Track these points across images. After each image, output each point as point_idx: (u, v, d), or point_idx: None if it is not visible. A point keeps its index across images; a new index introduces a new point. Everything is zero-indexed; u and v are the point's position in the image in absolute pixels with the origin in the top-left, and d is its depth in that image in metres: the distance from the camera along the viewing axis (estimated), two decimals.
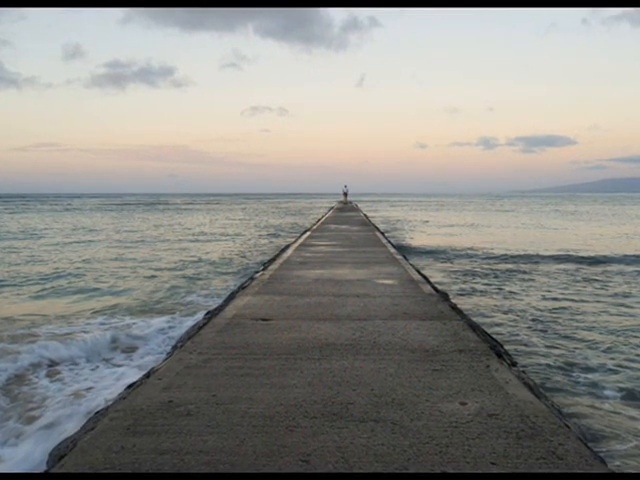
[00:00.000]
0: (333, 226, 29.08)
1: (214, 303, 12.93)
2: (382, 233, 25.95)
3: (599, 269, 20.06)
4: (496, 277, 18.48)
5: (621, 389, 7.69)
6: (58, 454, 3.92)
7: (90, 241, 32.42)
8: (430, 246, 28.08)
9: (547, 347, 9.75)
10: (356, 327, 6.89)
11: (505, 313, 12.69)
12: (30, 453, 5.55)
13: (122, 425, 3.99)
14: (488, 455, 3.46)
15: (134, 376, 7.12)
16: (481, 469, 3.29)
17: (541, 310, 13.01)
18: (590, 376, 8.26)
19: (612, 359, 9.11)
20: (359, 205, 77.20)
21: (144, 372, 6.54)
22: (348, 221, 34.21)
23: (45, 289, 16.67)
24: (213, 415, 4.13)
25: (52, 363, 8.72)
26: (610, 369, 8.61)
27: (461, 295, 14.92)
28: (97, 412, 5.10)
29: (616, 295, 15.06)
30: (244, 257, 24.63)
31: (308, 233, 24.43)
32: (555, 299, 14.49)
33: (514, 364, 6.28)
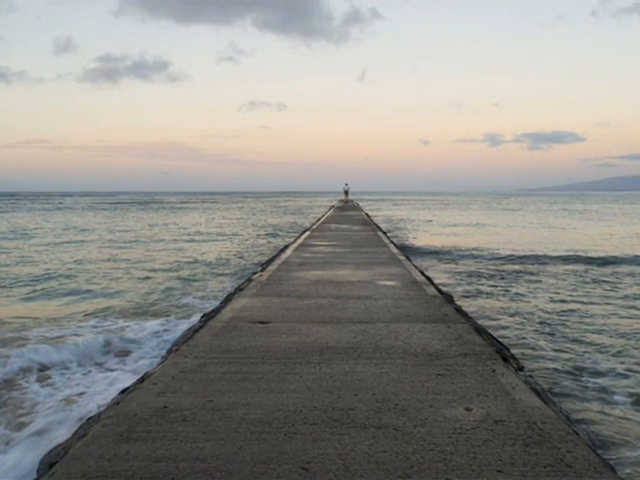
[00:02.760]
0: (334, 225, 29.11)
1: (210, 305, 12.94)
2: (384, 233, 25.98)
3: (609, 270, 20.07)
4: (502, 278, 18.50)
5: (631, 394, 7.69)
6: (49, 461, 3.92)
7: (82, 241, 32.45)
8: (434, 246, 28.12)
9: (555, 351, 9.75)
10: (357, 330, 6.89)
11: (512, 316, 12.70)
12: (20, 460, 5.55)
13: (115, 431, 3.99)
14: (494, 463, 3.46)
15: (128, 381, 7.12)
16: (487, 477, 3.29)
17: (549, 313, 13.02)
18: (599, 381, 8.26)
19: (622, 363, 9.11)
20: (360, 204, 77.25)
21: (138, 377, 6.54)
22: (349, 220, 34.23)
23: (36, 291, 16.69)
24: (209, 421, 4.13)
25: (43, 367, 8.72)
26: (620, 373, 8.61)
27: (466, 297, 14.94)
28: (89, 418, 5.10)
29: (626, 297, 15.07)
30: (241, 257, 24.65)
31: (308, 233, 24.45)
32: (563, 301, 14.51)
33: (521, 368, 6.28)
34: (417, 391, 4.74)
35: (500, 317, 12.56)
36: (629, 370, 8.75)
